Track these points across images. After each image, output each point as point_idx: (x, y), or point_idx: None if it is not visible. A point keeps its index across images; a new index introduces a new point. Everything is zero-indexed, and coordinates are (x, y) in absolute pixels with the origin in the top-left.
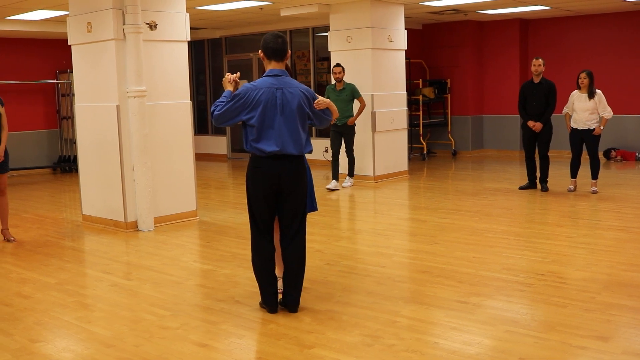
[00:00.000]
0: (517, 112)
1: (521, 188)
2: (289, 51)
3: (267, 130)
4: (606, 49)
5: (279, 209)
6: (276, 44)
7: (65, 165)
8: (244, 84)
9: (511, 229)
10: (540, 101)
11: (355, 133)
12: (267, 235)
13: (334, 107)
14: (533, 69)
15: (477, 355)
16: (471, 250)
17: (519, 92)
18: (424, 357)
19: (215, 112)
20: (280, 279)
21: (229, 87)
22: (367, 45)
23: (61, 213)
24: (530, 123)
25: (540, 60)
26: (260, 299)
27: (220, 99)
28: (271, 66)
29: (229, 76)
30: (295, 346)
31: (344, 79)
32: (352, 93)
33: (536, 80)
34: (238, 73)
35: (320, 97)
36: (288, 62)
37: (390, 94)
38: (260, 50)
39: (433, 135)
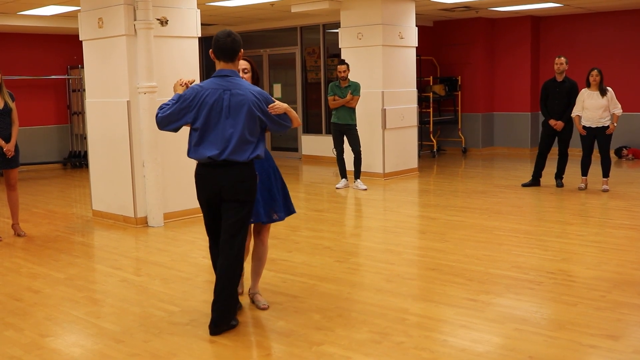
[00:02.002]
0: (528, 109)
1: (524, 185)
2: (241, 50)
3: (210, 134)
4: (618, 47)
5: (223, 214)
6: (225, 43)
7: (76, 160)
8: (192, 85)
9: (521, 227)
10: (562, 100)
11: (357, 131)
12: (214, 239)
13: (293, 114)
14: (556, 67)
15: (486, 353)
16: (481, 248)
17: (541, 90)
18: (432, 354)
19: (159, 115)
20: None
21: (178, 91)
22: (378, 42)
23: (71, 208)
24: (552, 122)
25: (562, 58)
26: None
27: (166, 102)
28: (220, 66)
29: (181, 80)
30: (304, 343)
31: (348, 77)
32: (354, 91)
33: (559, 78)
34: (193, 78)
35: (277, 102)
36: (297, 58)
37: (401, 91)
38: (210, 50)
39: (443, 132)
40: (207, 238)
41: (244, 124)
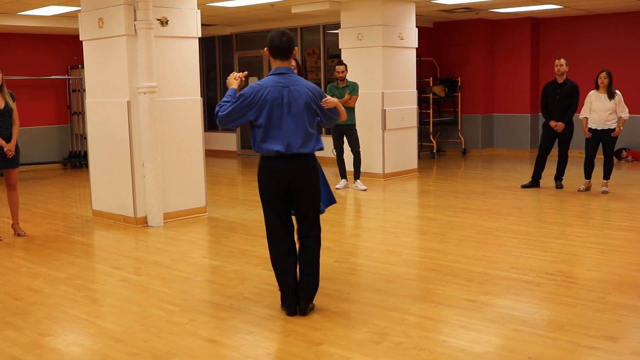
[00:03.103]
0: (528, 111)
1: (523, 187)
2: (295, 49)
3: (274, 130)
4: (617, 49)
5: (294, 208)
6: (281, 42)
7: (76, 160)
8: (251, 84)
9: (520, 228)
10: (563, 101)
11: (356, 132)
12: (287, 228)
13: (341, 108)
14: (556, 69)
15: (486, 354)
16: (480, 249)
17: (542, 91)
18: (432, 355)
19: (220, 113)
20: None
21: (233, 85)
22: (378, 42)
23: (71, 208)
24: (552, 123)
25: (562, 60)
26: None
27: (225, 99)
28: (276, 64)
29: (235, 74)
30: (304, 343)
31: (346, 77)
32: (352, 90)
33: (559, 80)
34: (246, 72)
35: (328, 97)
36: (298, 57)
37: (401, 91)
38: (266, 48)
39: (443, 133)
40: (207, 238)
41: (305, 117)
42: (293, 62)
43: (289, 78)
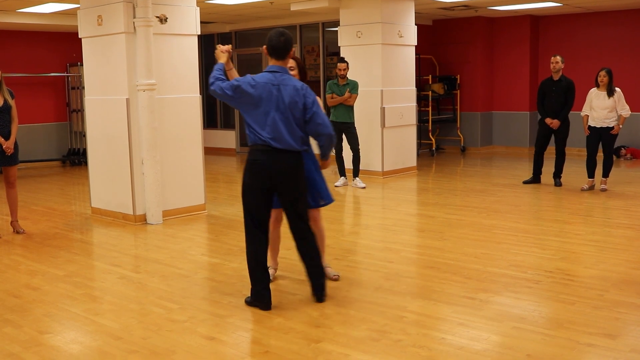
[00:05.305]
0: (527, 108)
1: (525, 182)
2: (293, 49)
3: (262, 124)
4: (616, 47)
5: (283, 205)
6: (278, 42)
7: (75, 158)
8: (245, 77)
9: (519, 226)
10: (559, 98)
11: (355, 129)
12: (262, 227)
13: (328, 161)
14: (551, 66)
15: (484, 352)
16: (479, 247)
17: (538, 88)
18: (430, 352)
19: (215, 90)
20: (272, 268)
21: (222, 59)
22: (377, 40)
23: (70, 206)
24: (548, 120)
25: (558, 57)
26: (248, 296)
27: (216, 73)
28: (272, 63)
29: (221, 47)
30: (303, 340)
31: (347, 75)
32: (352, 89)
33: (555, 77)
34: (230, 45)
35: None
36: (297, 55)
37: (400, 89)
38: (264, 46)
39: (442, 131)
40: (206, 236)
41: (292, 116)
42: (292, 62)
43: (280, 77)
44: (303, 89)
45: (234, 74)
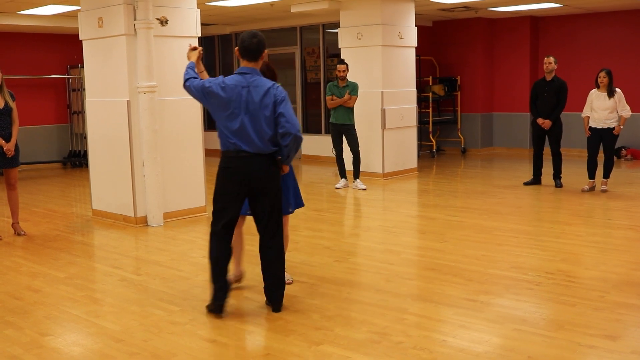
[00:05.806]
0: (528, 110)
1: (526, 184)
2: (265, 51)
3: (232, 127)
4: (617, 48)
5: (253, 209)
6: (250, 44)
7: (76, 160)
8: (216, 79)
9: (520, 227)
10: (552, 99)
11: (355, 131)
12: (230, 230)
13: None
14: (544, 67)
15: (485, 354)
16: (480, 248)
17: (531, 89)
18: (431, 354)
19: (189, 87)
20: (232, 275)
21: (192, 58)
22: (378, 42)
23: (71, 207)
24: (540, 120)
25: (551, 58)
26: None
27: (188, 72)
28: (243, 64)
29: (191, 45)
30: (304, 342)
31: (347, 77)
32: (352, 91)
33: (548, 78)
34: (200, 47)
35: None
36: (298, 56)
37: (400, 91)
38: (236, 48)
39: (442, 132)
40: (207, 238)
41: (262, 118)
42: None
43: (250, 79)
44: (274, 88)
45: (204, 76)
